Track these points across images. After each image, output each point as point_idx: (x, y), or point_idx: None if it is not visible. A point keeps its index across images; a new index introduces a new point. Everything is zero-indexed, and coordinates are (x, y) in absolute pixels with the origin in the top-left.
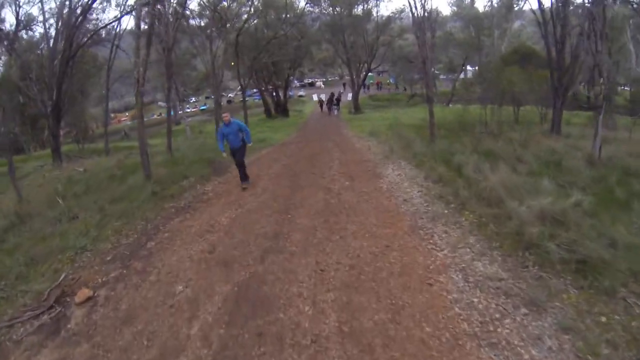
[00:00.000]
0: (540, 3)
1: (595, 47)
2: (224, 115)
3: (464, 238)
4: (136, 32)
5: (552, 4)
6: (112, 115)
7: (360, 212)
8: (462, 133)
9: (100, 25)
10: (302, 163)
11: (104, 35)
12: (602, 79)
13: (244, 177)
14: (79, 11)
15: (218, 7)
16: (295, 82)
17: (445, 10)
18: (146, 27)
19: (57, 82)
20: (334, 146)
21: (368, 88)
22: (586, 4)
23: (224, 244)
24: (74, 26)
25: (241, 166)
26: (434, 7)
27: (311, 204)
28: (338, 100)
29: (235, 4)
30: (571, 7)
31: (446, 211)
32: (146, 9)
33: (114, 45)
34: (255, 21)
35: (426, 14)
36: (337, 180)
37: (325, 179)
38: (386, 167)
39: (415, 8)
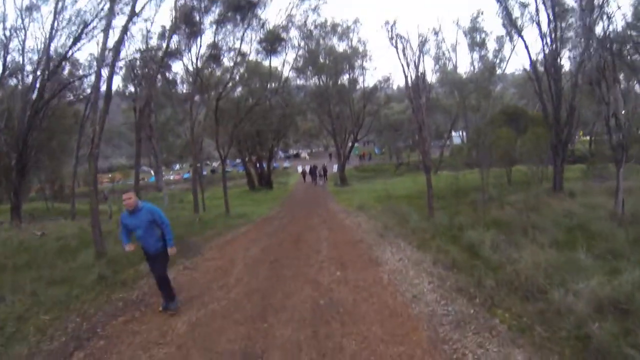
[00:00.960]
0: (531, 60)
1: (607, 94)
2: (125, 196)
3: (509, 354)
4: (95, 86)
5: (544, 59)
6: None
7: (359, 319)
8: (459, 201)
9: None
10: (285, 245)
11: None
12: (621, 127)
13: (168, 297)
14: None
15: (200, 73)
16: (280, 153)
17: (429, 76)
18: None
19: (23, 134)
20: (321, 223)
21: (363, 157)
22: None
23: None
24: (48, 75)
25: (163, 282)
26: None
27: (295, 304)
28: (325, 171)
29: (219, 70)
30: (563, 58)
31: (472, 311)
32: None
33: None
34: (239, 89)
35: (420, 76)
36: (327, 269)
37: (312, 268)
38: (383, 250)
39: (409, 71)
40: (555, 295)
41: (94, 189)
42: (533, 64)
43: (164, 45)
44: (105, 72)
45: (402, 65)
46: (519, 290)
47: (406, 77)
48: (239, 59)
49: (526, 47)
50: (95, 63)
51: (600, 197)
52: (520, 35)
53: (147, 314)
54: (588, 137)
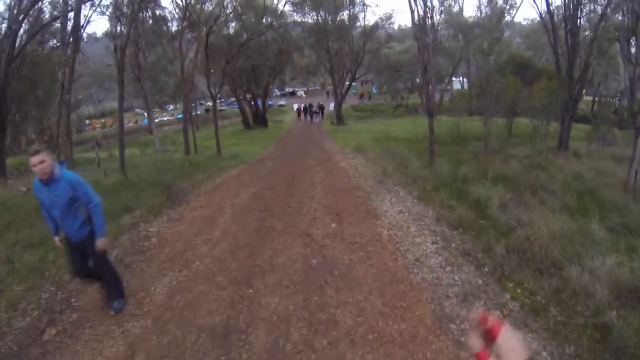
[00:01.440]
0: (549, 6)
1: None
2: (33, 160)
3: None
4: (62, 22)
5: (564, 6)
6: (87, 121)
7: (355, 284)
8: (460, 149)
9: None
10: (277, 190)
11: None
12: None
13: (111, 292)
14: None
15: (189, 6)
16: (276, 90)
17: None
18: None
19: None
20: (316, 164)
21: (362, 96)
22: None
23: (149, 346)
24: (22, 18)
25: (105, 276)
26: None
27: (284, 264)
28: (321, 108)
29: (210, 3)
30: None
31: (480, 282)
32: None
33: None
34: (233, 24)
35: (429, 13)
36: (321, 220)
37: (304, 218)
38: (382, 199)
39: (416, 6)
40: (572, 272)
41: (67, 138)
42: (550, 12)
43: None
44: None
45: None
46: (531, 261)
47: (412, 11)
48: None
49: None
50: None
51: (607, 162)
52: None
53: (125, 276)
54: (591, 98)
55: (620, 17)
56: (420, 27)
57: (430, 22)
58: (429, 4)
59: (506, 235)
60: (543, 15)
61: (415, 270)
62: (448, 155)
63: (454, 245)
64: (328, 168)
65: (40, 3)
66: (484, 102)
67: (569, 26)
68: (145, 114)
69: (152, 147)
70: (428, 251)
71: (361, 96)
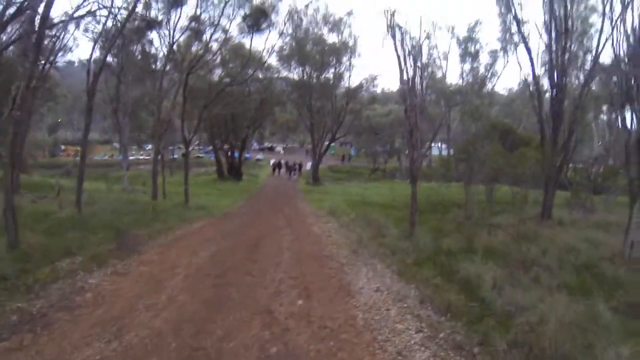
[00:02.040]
0: (534, 72)
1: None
2: None
3: None
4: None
5: (550, 72)
6: (63, 147)
7: None
8: (439, 217)
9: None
10: (240, 252)
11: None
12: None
13: None
14: None
15: (175, 46)
16: (255, 144)
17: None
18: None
19: None
20: (286, 226)
21: (344, 159)
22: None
23: None
24: None
25: None
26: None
27: (236, 351)
28: (300, 166)
29: (198, 46)
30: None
31: None
32: None
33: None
34: (218, 71)
35: (418, 74)
36: (285, 295)
37: (266, 290)
38: (357, 272)
39: (405, 66)
40: None
41: (9, 162)
42: (536, 78)
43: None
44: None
45: (399, 57)
46: (540, 359)
47: (402, 71)
48: (219, 35)
49: (530, 58)
50: None
51: (593, 231)
52: (525, 43)
53: (41, 339)
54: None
55: (615, 81)
56: (409, 87)
57: (419, 83)
58: (418, 64)
59: (505, 324)
60: (527, 80)
61: None
62: (428, 224)
63: (442, 335)
64: (299, 231)
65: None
66: (467, 168)
67: (554, 92)
68: (125, 149)
69: (121, 185)
70: (412, 342)
71: (343, 158)
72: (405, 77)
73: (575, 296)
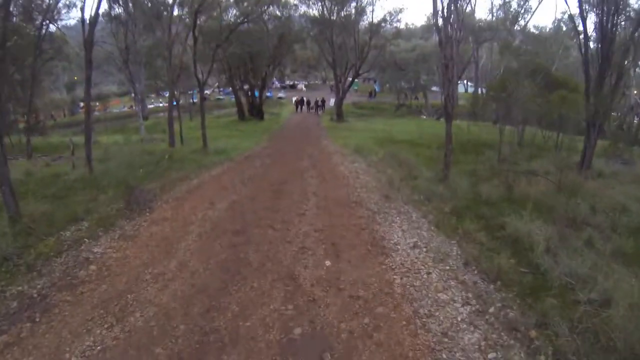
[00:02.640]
0: (582, 9)
1: None
2: None
3: None
4: None
5: (601, 12)
6: (82, 104)
7: None
8: (471, 159)
9: None
10: (261, 200)
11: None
12: None
13: None
14: None
15: None
16: (276, 83)
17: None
18: None
19: None
20: (311, 167)
21: (371, 95)
22: None
23: None
24: None
25: None
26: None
27: (254, 334)
28: (323, 102)
29: None
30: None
31: None
32: None
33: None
34: (233, 11)
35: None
36: (311, 253)
37: (290, 247)
38: (390, 223)
39: None
40: None
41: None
42: (583, 13)
43: None
44: None
45: None
46: (609, 352)
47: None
48: None
49: None
50: None
51: (637, 185)
52: None
53: (40, 329)
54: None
55: None
56: (443, 17)
57: (455, 12)
58: None
59: (564, 299)
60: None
61: (445, 358)
62: (460, 166)
63: (492, 310)
64: (324, 172)
65: None
66: (502, 107)
67: (603, 31)
68: (138, 98)
69: (137, 135)
70: (459, 319)
71: (370, 94)
72: (439, 6)
73: (633, 266)
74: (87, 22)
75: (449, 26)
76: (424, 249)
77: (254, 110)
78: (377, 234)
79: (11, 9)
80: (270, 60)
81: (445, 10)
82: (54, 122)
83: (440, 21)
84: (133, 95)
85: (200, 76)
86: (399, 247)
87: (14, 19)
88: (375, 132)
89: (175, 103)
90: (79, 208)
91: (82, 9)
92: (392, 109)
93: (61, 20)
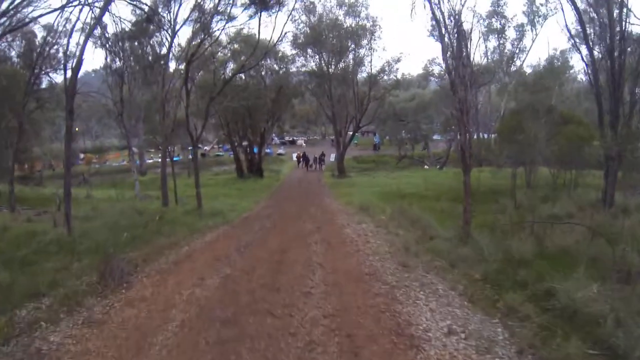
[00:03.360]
0: (587, 39)
1: None
2: None
3: None
4: None
5: (610, 39)
6: (82, 155)
7: None
8: (482, 207)
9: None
10: (259, 275)
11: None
12: None
13: None
14: None
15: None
16: (275, 139)
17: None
18: None
19: None
20: (314, 230)
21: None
22: None
23: None
24: None
25: None
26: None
27: None
28: (323, 156)
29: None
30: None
31: None
32: None
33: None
34: (230, 65)
35: (462, 37)
36: (321, 351)
37: (293, 342)
38: (415, 301)
39: (446, 32)
40: None
41: None
42: (589, 44)
43: None
44: None
45: (438, 21)
46: None
47: (442, 36)
48: (224, 24)
49: (580, 19)
50: None
51: None
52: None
53: None
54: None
55: None
56: (453, 56)
57: (465, 50)
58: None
59: None
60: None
61: None
62: (476, 218)
63: None
64: (330, 236)
65: None
66: (517, 150)
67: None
68: (133, 153)
69: (131, 192)
70: None
71: (374, 147)
72: (446, 44)
73: None
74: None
75: (461, 65)
76: (462, 335)
77: (253, 168)
78: (401, 318)
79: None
80: (269, 115)
81: (455, 50)
82: (53, 172)
83: (450, 62)
84: (133, 149)
85: (194, 132)
86: (431, 334)
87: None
88: (379, 187)
89: (174, 159)
90: (45, 279)
91: (65, 53)
92: (394, 161)
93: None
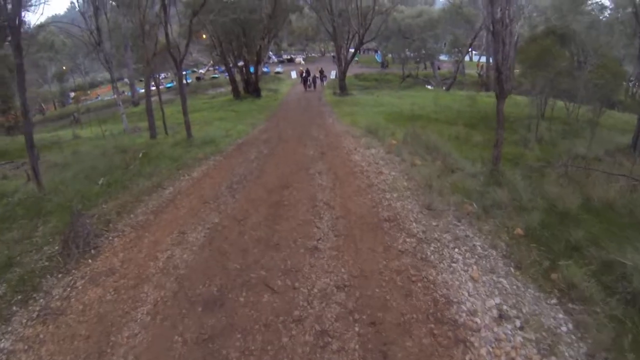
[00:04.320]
0: None
1: None
2: None
3: None
4: None
5: None
6: (72, 94)
7: None
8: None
9: None
10: (253, 222)
11: None
12: None
13: None
14: None
15: None
16: (273, 57)
17: None
18: None
19: None
20: (318, 157)
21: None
22: None
23: None
24: None
25: None
26: None
27: None
28: (322, 73)
29: None
30: None
31: None
32: None
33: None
34: None
35: None
36: (336, 349)
37: (299, 334)
38: (450, 265)
39: None
40: None
41: None
42: None
43: None
44: None
45: None
46: None
47: None
48: None
49: None
50: None
51: None
52: None
53: None
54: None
55: None
56: None
57: None
58: None
59: None
60: None
61: None
62: (486, 147)
63: None
64: (336, 165)
65: None
66: (541, 78)
67: None
68: (117, 85)
69: (120, 125)
70: None
71: (382, 64)
72: None
73: None
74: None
75: None
76: (517, 323)
77: (250, 88)
78: (438, 292)
79: None
80: (265, 31)
81: None
82: (43, 116)
83: None
84: (125, 80)
85: (177, 54)
86: (478, 320)
87: None
88: (385, 107)
89: (168, 85)
90: (4, 256)
91: None
92: (397, 80)
93: (31, 5)
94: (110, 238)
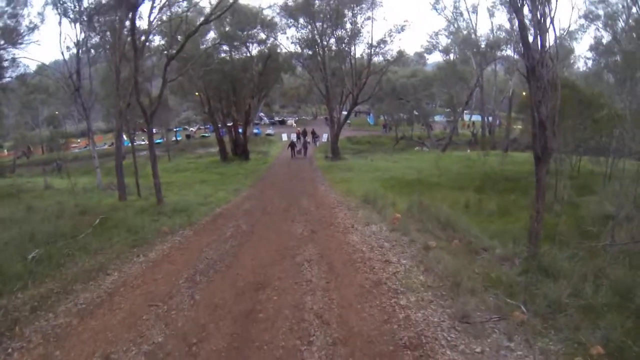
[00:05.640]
0: None
1: None
2: None
3: None
4: None
5: None
6: (62, 140)
7: None
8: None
9: None
10: (210, 352)
11: None
12: None
13: None
14: None
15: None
16: (265, 119)
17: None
18: None
19: None
20: (308, 238)
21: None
22: None
23: None
24: None
25: None
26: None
27: None
28: (314, 135)
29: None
30: None
31: None
32: None
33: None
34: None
35: None
36: None
37: None
38: None
39: None
40: None
41: None
42: None
43: None
44: None
45: None
46: None
47: None
48: None
49: None
50: None
51: None
52: None
53: None
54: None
55: None
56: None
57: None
58: None
59: None
60: None
61: None
62: (512, 217)
63: None
64: (330, 250)
65: None
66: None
67: None
68: (125, 136)
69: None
70: None
71: (384, 126)
72: None
73: None
74: None
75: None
76: None
77: (238, 150)
78: None
79: None
80: (255, 90)
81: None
82: (27, 159)
83: None
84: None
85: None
86: None
87: None
88: (381, 172)
89: (156, 142)
90: None
91: None
92: (391, 143)
93: (22, 43)
94: (9, 351)
